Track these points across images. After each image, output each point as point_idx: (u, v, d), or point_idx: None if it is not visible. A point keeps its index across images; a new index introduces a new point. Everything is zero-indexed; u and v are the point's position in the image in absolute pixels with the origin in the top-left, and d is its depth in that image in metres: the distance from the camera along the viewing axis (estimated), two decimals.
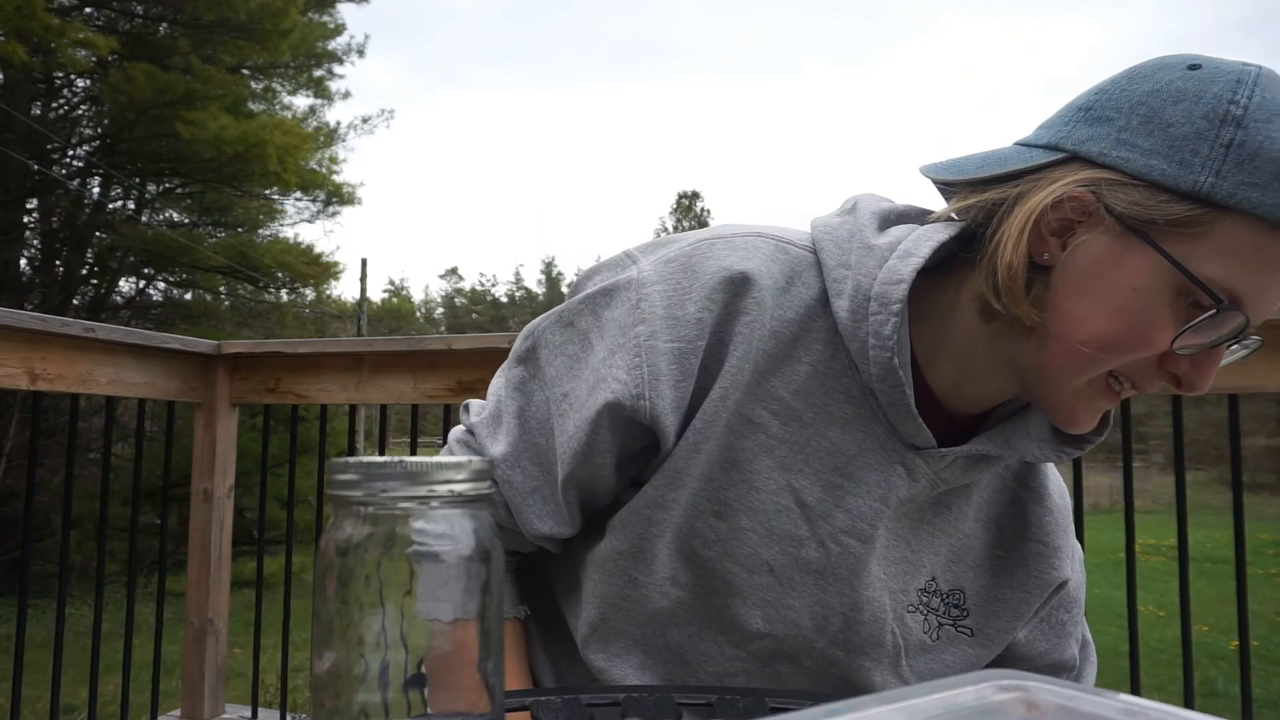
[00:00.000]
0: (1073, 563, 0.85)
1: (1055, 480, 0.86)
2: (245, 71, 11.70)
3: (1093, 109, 0.68)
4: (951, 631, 0.81)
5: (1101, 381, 0.69)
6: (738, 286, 0.71)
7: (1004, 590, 0.81)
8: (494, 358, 2.07)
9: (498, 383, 0.83)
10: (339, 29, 12.26)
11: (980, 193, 0.70)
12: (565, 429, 0.75)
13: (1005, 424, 0.77)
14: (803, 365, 0.73)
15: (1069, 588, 0.85)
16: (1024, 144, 0.72)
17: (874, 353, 0.71)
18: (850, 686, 0.78)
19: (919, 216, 0.78)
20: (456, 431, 0.86)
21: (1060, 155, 0.67)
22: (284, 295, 13.44)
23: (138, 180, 11.70)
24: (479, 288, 53.91)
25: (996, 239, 0.68)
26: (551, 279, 51.62)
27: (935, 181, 0.77)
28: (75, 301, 11.13)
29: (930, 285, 0.74)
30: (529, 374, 0.80)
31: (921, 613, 0.80)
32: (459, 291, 54.22)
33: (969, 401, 0.77)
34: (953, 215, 0.74)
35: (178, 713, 2.44)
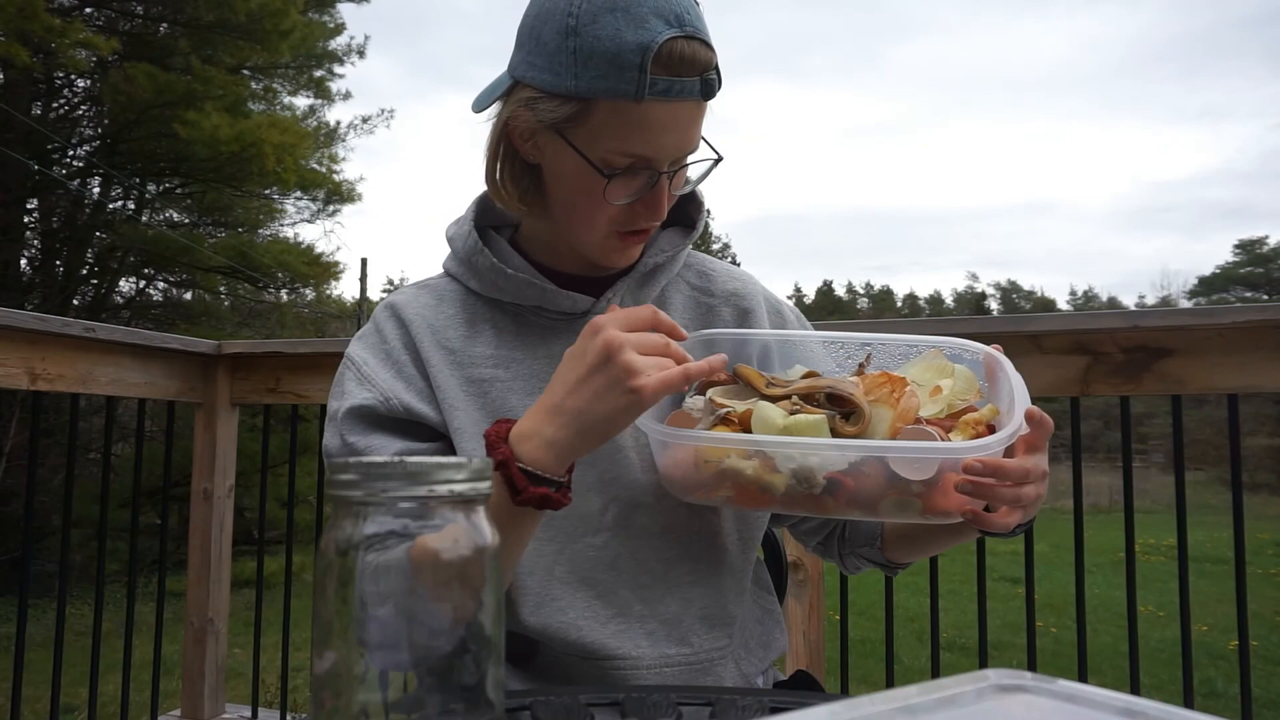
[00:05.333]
0: (783, 321, 1.04)
1: (739, 279, 1.04)
2: (246, 72, 11.68)
3: (518, 36, 0.86)
4: None
5: (611, 234, 0.87)
6: (394, 312, 0.95)
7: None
8: None
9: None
10: (339, 29, 12.24)
11: (488, 123, 0.90)
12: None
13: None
14: (488, 330, 0.94)
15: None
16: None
17: (493, 277, 0.92)
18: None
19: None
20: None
21: (510, 80, 0.86)
22: (284, 295, 13.42)
23: (138, 180, 11.68)
24: None
25: (486, 159, 0.90)
26: None
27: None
28: (75, 301, 11.11)
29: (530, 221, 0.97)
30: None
31: None
32: None
33: (601, 269, 0.95)
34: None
35: (178, 713, 2.44)
